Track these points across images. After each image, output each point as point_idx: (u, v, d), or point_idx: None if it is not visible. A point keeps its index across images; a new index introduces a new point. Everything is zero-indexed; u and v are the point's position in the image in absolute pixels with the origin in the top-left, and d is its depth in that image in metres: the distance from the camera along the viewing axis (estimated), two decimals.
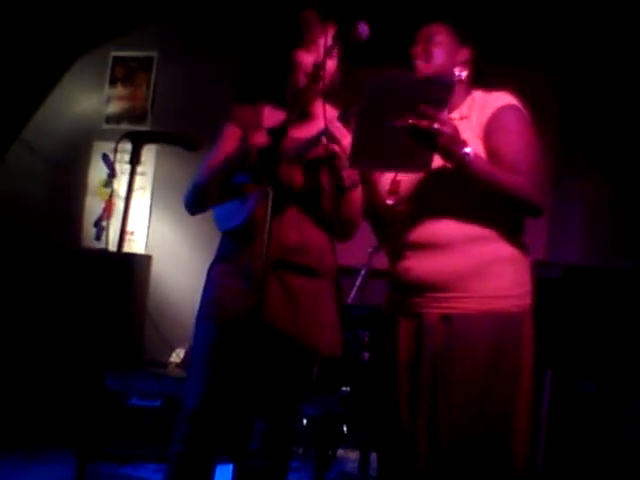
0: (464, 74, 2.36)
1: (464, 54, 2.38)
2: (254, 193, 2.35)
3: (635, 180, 4.53)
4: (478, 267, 2.27)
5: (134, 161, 2.01)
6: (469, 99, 2.38)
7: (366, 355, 3.99)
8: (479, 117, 2.32)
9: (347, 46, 2.40)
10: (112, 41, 5.49)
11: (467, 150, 2.15)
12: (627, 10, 4.39)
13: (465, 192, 2.24)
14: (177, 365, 4.77)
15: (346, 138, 2.27)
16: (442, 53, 2.36)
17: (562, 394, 3.80)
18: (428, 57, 2.35)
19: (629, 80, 4.54)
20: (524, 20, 4.60)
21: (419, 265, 2.31)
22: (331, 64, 2.41)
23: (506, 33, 4.44)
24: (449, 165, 2.19)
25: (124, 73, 5.51)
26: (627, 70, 4.54)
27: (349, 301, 4.07)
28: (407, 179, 2.36)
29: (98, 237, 5.35)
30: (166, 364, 4.83)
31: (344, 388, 3.94)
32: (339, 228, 2.46)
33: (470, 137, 2.23)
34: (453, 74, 2.33)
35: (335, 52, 2.41)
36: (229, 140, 2.49)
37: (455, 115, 2.34)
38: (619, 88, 4.58)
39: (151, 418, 4.23)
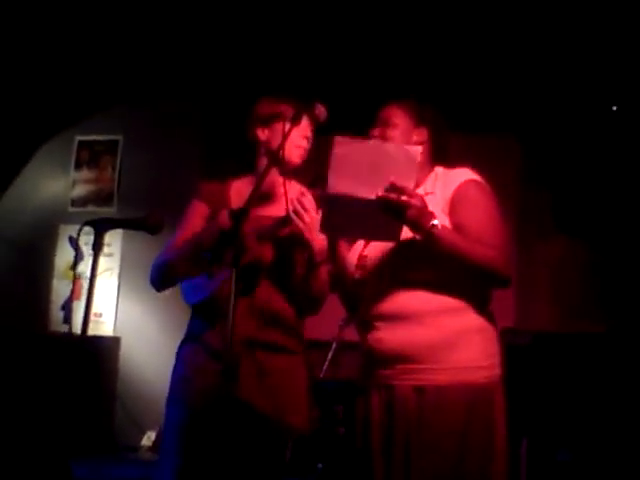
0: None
1: (421, 134, 2.44)
2: (222, 270, 2.36)
3: (600, 241, 4.59)
4: (449, 338, 2.28)
5: (96, 248, 2.02)
6: (432, 175, 2.43)
7: (341, 430, 3.95)
8: (443, 193, 2.36)
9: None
10: (77, 125, 5.53)
11: (435, 222, 2.19)
12: (584, 69, 4.51)
13: (433, 264, 2.27)
14: (149, 448, 4.68)
15: (315, 212, 2.30)
16: (398, 136, 2.41)
17: (539, 463, 3.77)
18: (384, 140, 2.41)
19: (591, 141, 4.64)
20: (480, 87, 4.71)
21: (390, 337, 2.32)
22: (308, 141, 2.46)
23: (463, 101, 4.54)
24: (417, 237, 2.23)
25: (89, 157, 5.54)
26: (588, 130, 4.64)
27: (321, 375, 4.04)
28: (374, 253, 2.40)
29: (66, 320, 5.29)
30: (137, 448, 4.74)
31: (320, 465, 3.88)
32: (307, 303, 2.46)
33: (436, 211, 2.27)
34: None
35: (311, 130, 2.46)
36: (195, 217, 2.51)
37: (420, 191, 2.38)
38: (581, 150, 4.67)
39: None
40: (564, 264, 4.73)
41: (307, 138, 2.47)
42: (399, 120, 2.43)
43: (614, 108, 4.61)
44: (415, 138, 2.43)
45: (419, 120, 2.44)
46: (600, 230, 4.60)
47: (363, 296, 2.42)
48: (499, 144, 4.81)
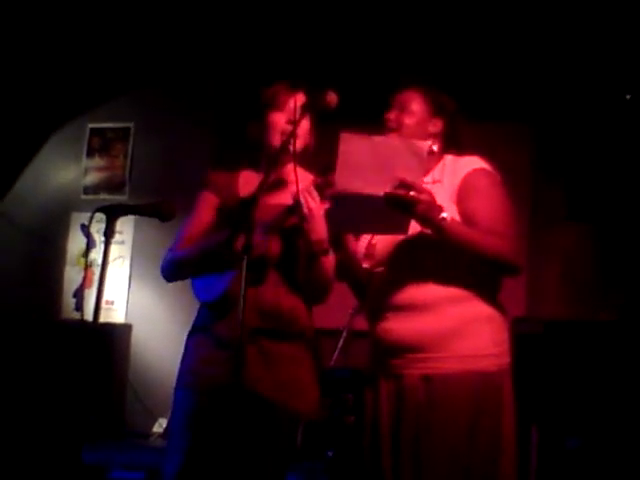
0: (435, 147, 2.40)
1: (436, 125, 2.43)
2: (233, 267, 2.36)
3: (612, 230, 4.57)
4: (457, 327, 2.28)
5: (108, 234, 2.02)
6: (441, 163, 2.42)
7: (351, 418, 3.96)
8: (451, 181, 2.36)
9: (318, 114, 2.45)
10: (88, 113, 5.54)
11: (444, 215, 2.19)
12: (597, 57, 4.48)
13: (443, 254, 2.27)
14: (160, 435, 4.70)
15: (318, 204, 2.29)
16: (414, 124, 2.40)
17: (549, 451, 3.77)
18: (400, 126, 2.39)
19: (604, 129, 4.61)
20: (494, 75, 4.69)
21: (399, 326, 2.33)
22: (304, 124, 2.45)
23: (477, 89, 4.52)
24: (427, 231, 2.23)
25: (101, 144, 5.55)
26: (602, 119, 4.61)
27: (332, 363, 4.05)
28: (382, 243, 2.40)
29: (78, 307, 5.31)
30: (149, 434, 4.76)
31: (329, 452, 3.89)
32: (311, 293, 2.46)
33: (444, 201, 2.27)
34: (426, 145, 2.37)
35: (307, 115, 2.45)
36: (205, 208, 2.52)
37: (428, 179, 2.38)
38: (594, 138, 4.65)
39: None
40: (576, 252, 4.71)
41: (293, 122, 2.40)
42: (417, 107, 2.41)
43: (628, 97, 4.58)
44: (430, 129, 2.42)
45: (436, 110, 2.43)
46: (612, 219, 4.58)
47: (372, 285, 2.43)
48: (512, 132, 4.80)
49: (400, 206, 2.15)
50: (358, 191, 2.15)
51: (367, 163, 2.16)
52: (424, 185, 2.24)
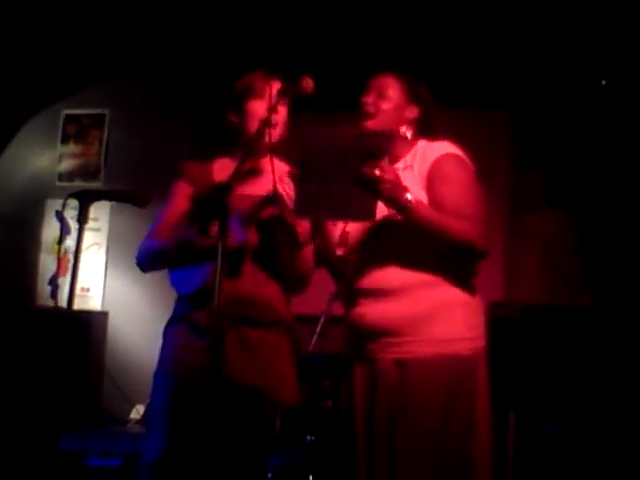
0: (409, 134, 2.40)
1: (412, 112, 2.43)
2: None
3: (591, 215, 4.59)
4: (430, 311, 2.30)
5: (82, 220, 2.01)
6: (413, 149, 2.43)
7: (328, 403, 3.98)
8: (420, 167, 2.37)
9: (293, 100, 2.44)
10: (63, 99, 5.49)
11: (408, 196, 2.19)
12: (577, 42, 4.50)
13: (412, 239, 2.27)
14: (137, 422, 4.69)
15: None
16: (390, 109, 2.40)
17: (527, 435, 3.80)
18: (376, 111, 2.39)
19: (580, 115, 4.63)
20: (472, 62, 4.69)
21: (372, 311, 2.34)
22: (282, 113, 2.45)
23: (454, 76, 4.52)
24: (393, 211, 2.23)
25: (76, 131, 5.50)
26: (578, 105, 4.63)
27: (310, 349, 4.06)
28: (355, 230, 2.41)
29: (53, 295, 5.28)
30: (126, 421, 4.75)
31: (309, 437, 3.90)
32: (292, 283, 2.48)
33: (414, 186, 2.27)
34: (397, 131, 2.38)
35: (284, 104, 2.44)
36: (179, 198, 2.52)
37: (400, 165, 2.38)
38: (571, 124, 4.66)
39: (111, 478, 4.14)
40: (555, 239, 4.73)
41: (270, 109, 2.39)
42: (394, 94, 2.42)
43: (603, 82, 4.59)
44: (406, 115, 2.43)
45: (413, 98, 2.44)
46: (591, 205, 4.60)
47: (346, 272, 2.43)
48: (490, 119, 4.80)
49: (365, 185, 2.15)
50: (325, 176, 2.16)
51: (333, 152, 2.17)
52: (390, 166, 2.24)
